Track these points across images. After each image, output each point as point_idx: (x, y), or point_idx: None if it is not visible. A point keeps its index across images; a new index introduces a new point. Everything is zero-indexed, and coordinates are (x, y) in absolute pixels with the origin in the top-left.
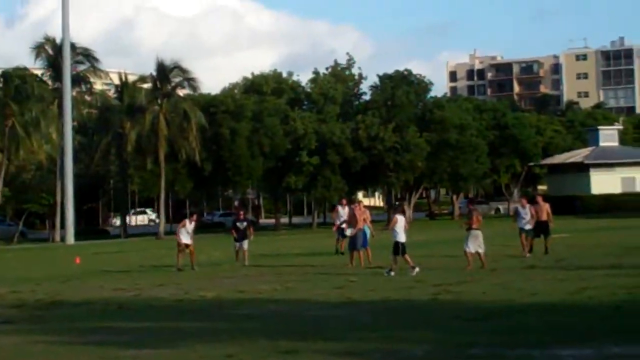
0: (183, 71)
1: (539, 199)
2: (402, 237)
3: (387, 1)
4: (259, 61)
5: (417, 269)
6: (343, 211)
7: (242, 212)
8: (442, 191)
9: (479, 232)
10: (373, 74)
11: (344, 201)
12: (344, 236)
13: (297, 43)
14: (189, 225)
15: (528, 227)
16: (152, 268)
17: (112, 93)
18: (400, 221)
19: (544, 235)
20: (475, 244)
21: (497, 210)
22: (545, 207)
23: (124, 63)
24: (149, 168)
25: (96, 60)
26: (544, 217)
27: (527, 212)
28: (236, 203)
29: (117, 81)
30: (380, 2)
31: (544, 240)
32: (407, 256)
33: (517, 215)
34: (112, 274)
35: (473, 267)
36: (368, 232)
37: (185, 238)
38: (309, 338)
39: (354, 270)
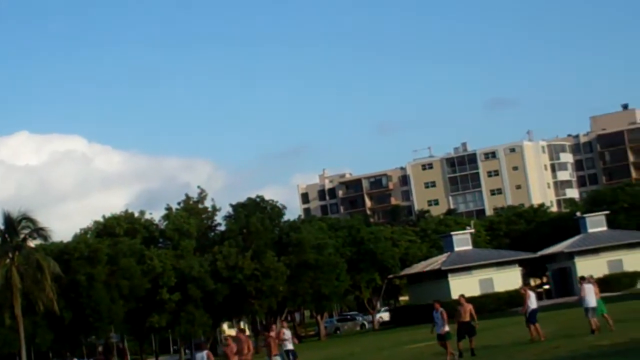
0: (32, 222)
1: (462, 299)
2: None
3: (236, 131)
4: (113, 202)
5: None
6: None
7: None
8: (307, 313)
9: None
10: (229, 203)
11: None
12: None
13: (150, 180)
14: None
15: (446, 329)
16: None
17: None
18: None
19: (469, 335)
20: None
21: (363, 325)
22: (469, 307)
23: None
24: (7, 324)
25: None
26: (467, 318)
27: (438, 316)
28: (100, 348)
29: None
30: (229, 132)
31: (469, 341)
32: None
33: (433, 321)
34: None
35: None
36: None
37: None
38: None
39: None
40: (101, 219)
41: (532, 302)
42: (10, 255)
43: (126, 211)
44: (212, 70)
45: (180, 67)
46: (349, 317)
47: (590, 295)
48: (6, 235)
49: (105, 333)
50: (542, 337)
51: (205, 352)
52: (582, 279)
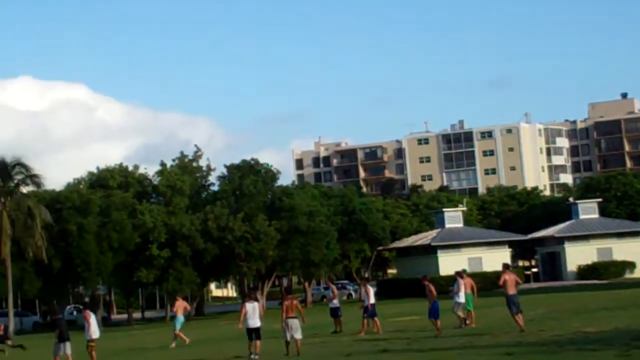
0: (26, 168)
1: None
2: (252, 324)
3: (239, 92)
4: (111, 154)
5: (254, 356)
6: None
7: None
8: (294, 279)
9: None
10: (228, 163)
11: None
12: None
13: (151, 135)
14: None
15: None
16: None
17: None
18: (249, 308)
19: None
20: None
21: (350, 295)
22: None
23: None
24: None
25: None
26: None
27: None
28: (86, 299)
29: None
30: (232, 93)
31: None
32: (255, 342)
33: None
34: None
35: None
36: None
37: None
38: None
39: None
40: (95, 170)
41: (371, 297)
42: (2, 200)
43: (120, 164)
44: (219, 29)
45: (188, 23)
46: (339, 285)
47: (462, 291)
48: None
49: (92, 284)
50: (379, 330)
51: (256, 304)
52: (458, 274)
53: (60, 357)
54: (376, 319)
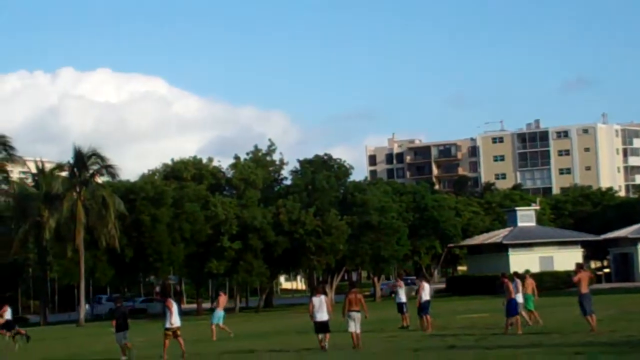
0: (101, 158)
1: (526, 276)
2: (320, 317)
3: (314, 88)
4: (186, 146)
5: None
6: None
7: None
8: (364, 273)
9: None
10: (301, 158)
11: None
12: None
13: (226, 128)
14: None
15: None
16: (74, 355)
17: (30, 181)
18: (315, 302)
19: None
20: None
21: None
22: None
23: (52, 151)
24: (68, 256)
25: (12, 148)
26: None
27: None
28: (157, 289)
29: (34, 169)
30: (307, 89)
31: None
32: (325, 335)
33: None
34: None
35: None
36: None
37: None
38: None
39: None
40: (169, 162)
41: (426, 294)
42: (78, 189)
43: (195, 157)
44: (296, 27)
45: (265, 19)
46: (408, 281)
47: (520, 292)
48: (75, 170)
49: (164, 274)
50: (430, 328)
51: (323, 297)
52: (516, 274)
53: (122, 346)
54: (427, 316)
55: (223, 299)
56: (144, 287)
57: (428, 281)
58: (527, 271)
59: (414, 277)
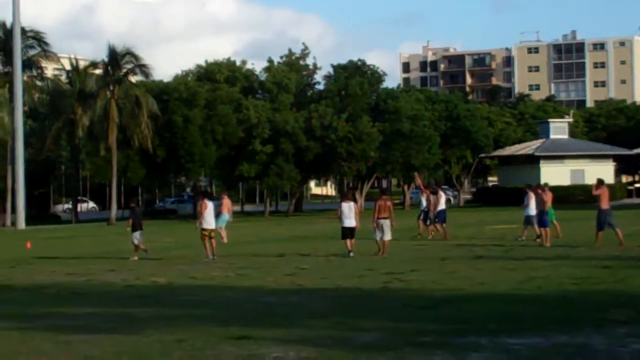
0: (135, 57)
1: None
2: (348, 223)
3: None
4: (220, 48)
5: (351, 254)
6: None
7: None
8: (394, 181)
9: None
10: (336, 63)
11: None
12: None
13: (261, 31)
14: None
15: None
16: (104, 253)
17: (64, 78)
18: (344, 207)
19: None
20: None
21: (449, 200)
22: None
23: (87, 48)
24: (101, 154)
25: (47, 44)
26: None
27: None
28: (188, 190)
29: (68, 66)
30: None
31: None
32: (350, 241)
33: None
34: (64, 259)
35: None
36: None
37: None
38: (261, 324)
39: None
40: (203, 64)
41: (441, 204)
42: (111, 87)
43: (228, 59)
44: None
45: None
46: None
47: (532, 204)
48: (109, 68)
49: (195, 175)
50: (447, 236)
51: (352, 204)
52: (528, 186)
53: (136, 245)
54: (442, 225)
55: (227, 201)
56: (175, 188)
57: (444, 191)
58: (546, 184)
59: (445, 187)
